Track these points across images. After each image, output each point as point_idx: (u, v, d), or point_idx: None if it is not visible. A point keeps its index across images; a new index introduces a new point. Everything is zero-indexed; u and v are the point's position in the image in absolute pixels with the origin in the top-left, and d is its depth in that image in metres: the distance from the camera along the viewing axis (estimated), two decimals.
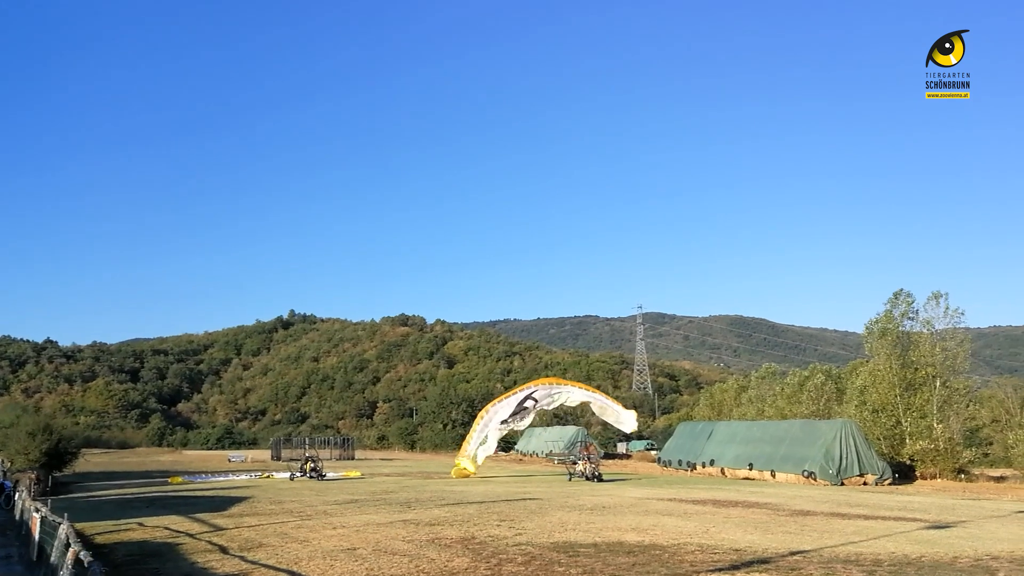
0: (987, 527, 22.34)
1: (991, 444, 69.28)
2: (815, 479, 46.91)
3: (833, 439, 47.80)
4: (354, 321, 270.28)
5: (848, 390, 63.59)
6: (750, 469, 52.40)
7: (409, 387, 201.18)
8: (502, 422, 55.43)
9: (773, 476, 50.19)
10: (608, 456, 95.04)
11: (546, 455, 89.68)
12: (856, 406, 57.49)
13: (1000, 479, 53.44)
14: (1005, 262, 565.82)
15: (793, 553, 16.28)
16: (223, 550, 17.35)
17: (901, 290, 56.27)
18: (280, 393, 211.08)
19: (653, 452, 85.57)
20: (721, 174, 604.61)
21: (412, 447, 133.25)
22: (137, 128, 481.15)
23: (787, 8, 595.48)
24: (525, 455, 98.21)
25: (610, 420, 60.08)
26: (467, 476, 53.57)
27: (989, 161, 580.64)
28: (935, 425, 52.99)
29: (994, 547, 17.58)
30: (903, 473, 51.32)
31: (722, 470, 54.86)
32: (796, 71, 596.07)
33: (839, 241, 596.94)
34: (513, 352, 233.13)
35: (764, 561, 15.16)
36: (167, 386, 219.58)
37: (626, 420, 57.96)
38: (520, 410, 55.01)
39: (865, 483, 46.45)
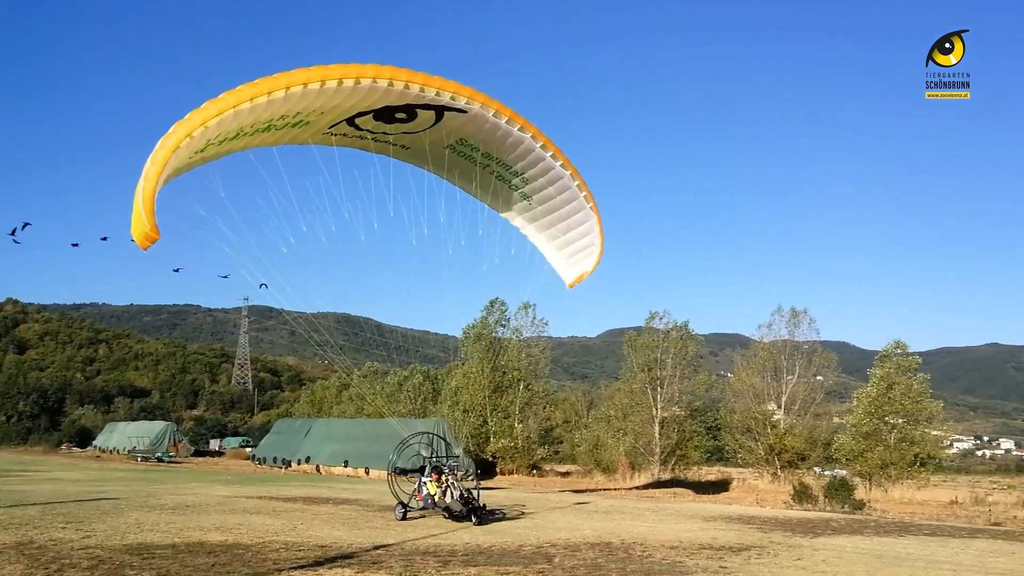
0: (550, 517, 24.62)
1: (561, 443, 77.02)
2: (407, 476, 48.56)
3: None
4: None
5: (444, 390, 66.96)
6: (345, 466, 52.99)
7: None
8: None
9: (367, 473, 51.20)
10: (199, 453, 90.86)
11: (128, 452, 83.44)
12: (449, 406, 60.65)
13: (566, 474, 59.47)
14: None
15: (377, 547, 16.61)
16: None
17: (496, 299, 60.54)
18: None
19: (248, 449, 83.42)
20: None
21: None
22: None
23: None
24: (104, 451, 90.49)
25: (564, 256, 23.98)
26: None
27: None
28: (516, 425, 57.61)
29: (553, 535, 19.36)
30: (486, 469, 55.08)
31: (318, 467, 54.86)
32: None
33: (443, 250, 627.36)
34: (99, 339, 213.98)
35: (348, 556, 15.27)
36: None
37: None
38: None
39: None
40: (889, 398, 48.24)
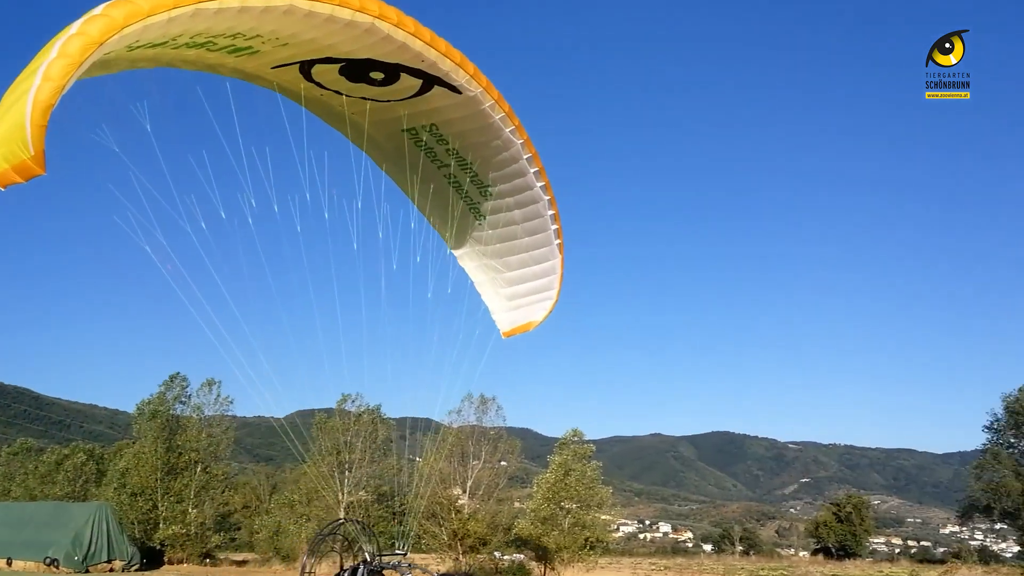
0: None
1: (239, 529, 72.81)
2: (58, 566, 43.55)
3: (85, 523, 45.19)
4: None
5: (110, 471, 61.25)
6: None
7: None
8: None
9: (9, 564, 45.21)
10: None
11: None
12: (115, 489, 55.51)
13: (242, 563, 56.18)
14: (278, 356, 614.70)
15: None
16: None
17: (177, 374, 56.79)
18: None
19: None
20: None
21: None
22: None
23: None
24: None
25: (507, 296, 19.10)
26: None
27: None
28: (190, 510, 53.82)
29: None
30: (153, 558, 50.72)
31: None
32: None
33: (116, 323, 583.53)
34: None
35: None
36: None
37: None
38: None
39: (112, 569, 44.81)
40: (566, 484, 50.82)
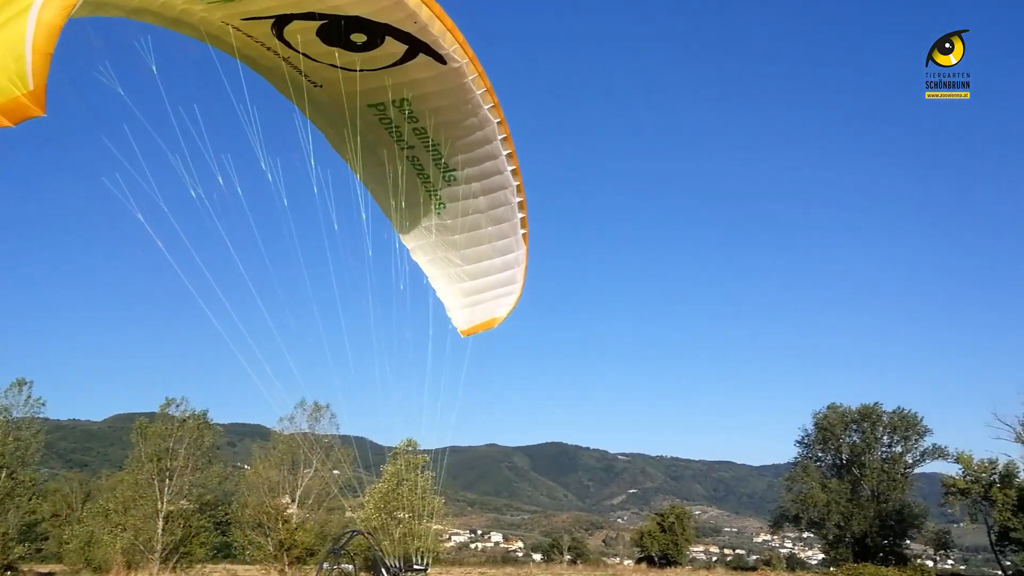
0: None
1: (47, 539, 68.28)
2: None
3: None
4: None
5: None
6: None
7: None
8: None
9: None
10: None
11: None
12: None
13: (49, 575, 52.81)
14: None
15: None
16: None
17: None
18: None
19: None
20: None
21: None
22: None
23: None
24: None
25: (465, 291, 17.53)
26: None
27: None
28: None
29: None
30: None
31: None
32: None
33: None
34: None
35: None
36: None
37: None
38: None
39: None
40: (398, 493, 50.50)
